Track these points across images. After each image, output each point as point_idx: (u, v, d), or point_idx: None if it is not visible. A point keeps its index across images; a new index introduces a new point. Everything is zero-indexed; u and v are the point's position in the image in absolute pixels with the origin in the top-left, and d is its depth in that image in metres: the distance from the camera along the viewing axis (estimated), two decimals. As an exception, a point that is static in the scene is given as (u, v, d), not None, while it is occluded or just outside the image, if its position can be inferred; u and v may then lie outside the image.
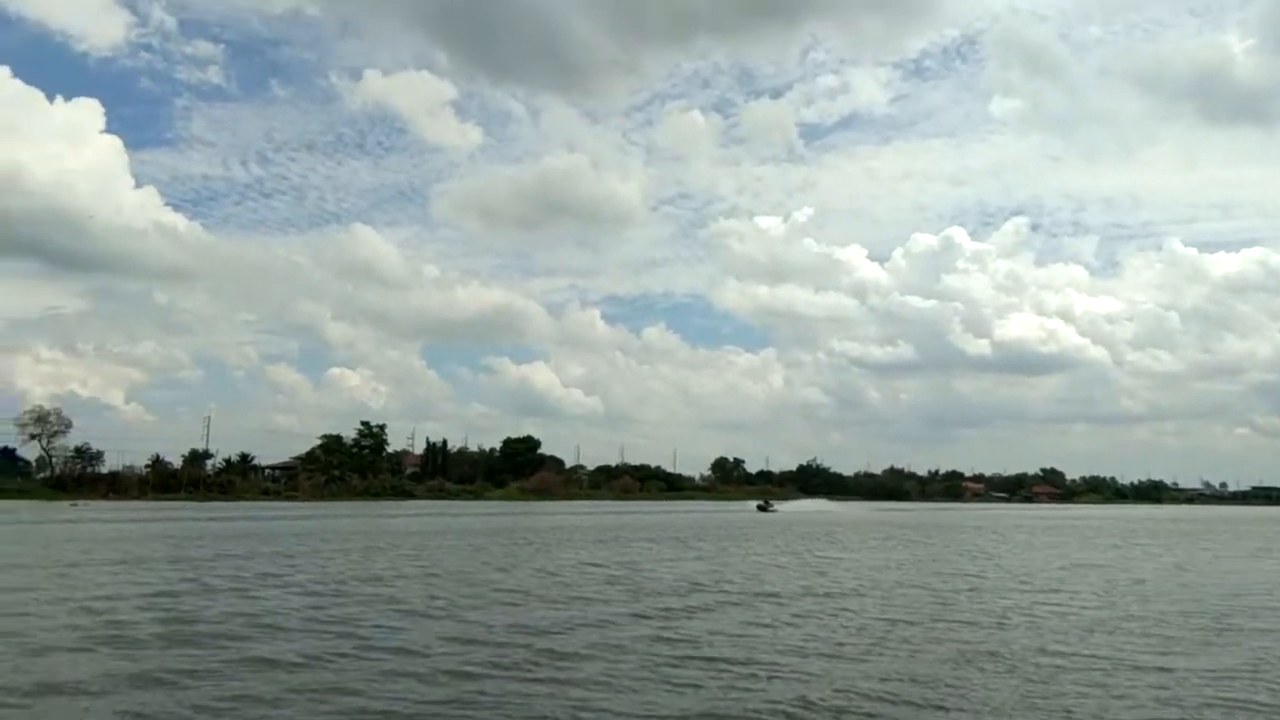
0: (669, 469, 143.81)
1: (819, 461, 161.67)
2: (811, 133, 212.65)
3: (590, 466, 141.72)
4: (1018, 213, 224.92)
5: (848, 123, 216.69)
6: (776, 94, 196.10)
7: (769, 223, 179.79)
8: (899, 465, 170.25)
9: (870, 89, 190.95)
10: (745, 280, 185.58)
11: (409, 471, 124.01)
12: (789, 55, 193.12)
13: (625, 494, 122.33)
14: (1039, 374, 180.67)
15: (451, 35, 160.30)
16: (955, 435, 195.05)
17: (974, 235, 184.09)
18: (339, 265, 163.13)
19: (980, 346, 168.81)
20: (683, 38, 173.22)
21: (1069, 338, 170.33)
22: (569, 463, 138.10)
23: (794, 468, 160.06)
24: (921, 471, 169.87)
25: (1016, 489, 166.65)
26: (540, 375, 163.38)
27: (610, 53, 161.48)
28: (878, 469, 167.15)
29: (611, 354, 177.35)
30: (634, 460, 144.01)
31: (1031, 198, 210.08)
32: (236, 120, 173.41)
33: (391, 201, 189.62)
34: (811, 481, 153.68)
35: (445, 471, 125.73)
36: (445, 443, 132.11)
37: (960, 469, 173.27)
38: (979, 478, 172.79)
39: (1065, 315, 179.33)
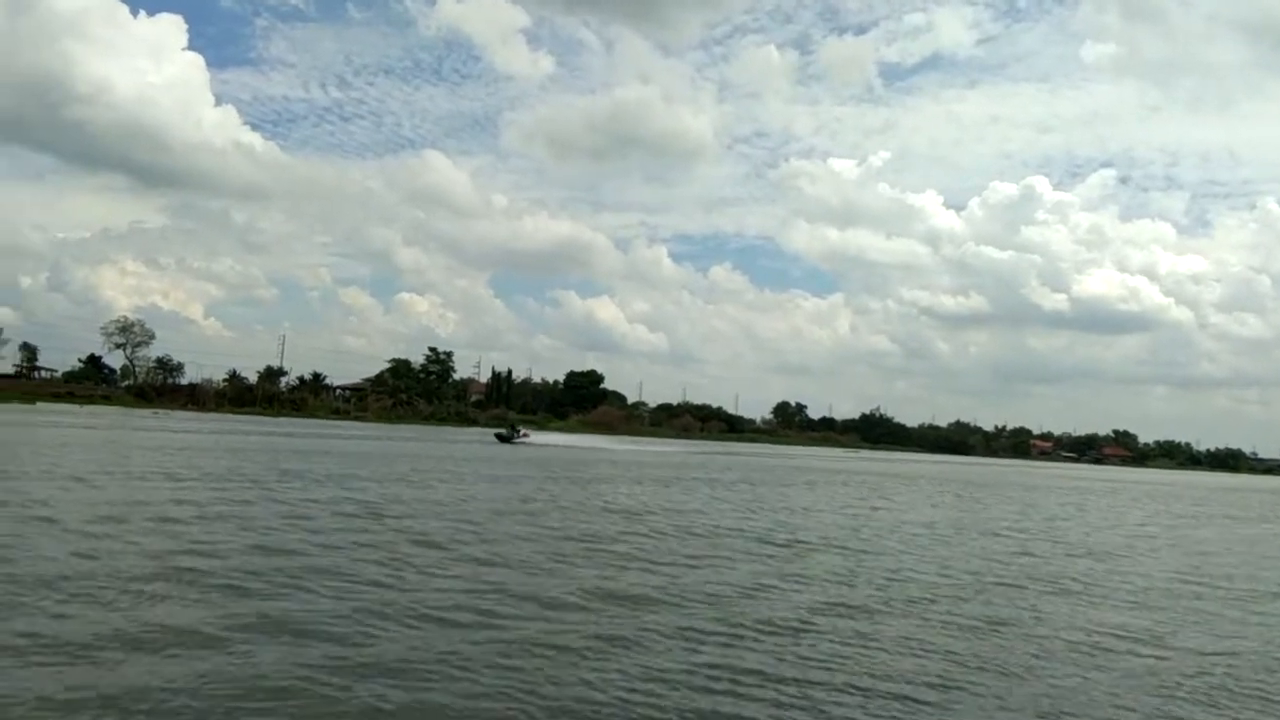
0: (730, 410, 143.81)
1: (882, 411, 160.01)
2: (891, 72, 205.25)
3: (652, 404, 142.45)
4: (1107, 164, 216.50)
5: (931, 63, 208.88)
6: (861, 30, 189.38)
7: (843, 165, 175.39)
8: (965, 419, 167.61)
9: (955, 29, 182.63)
10: (816, 223, 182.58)
11: (474, 399, 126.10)
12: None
13: (685, 433, 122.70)
14: (1117, 333, 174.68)
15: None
16: (1026, 391, 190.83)
17: (1058, 186, 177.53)
18: (411, 191, 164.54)
19: (1057, 301, 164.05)
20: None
21: (1152, 297, 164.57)
22: (631, 399, 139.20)
23: (857, 416, 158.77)
24: (988, 427, 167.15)
25: (1086, 449, 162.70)
26: (605, 310, 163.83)
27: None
28: (943, 422, 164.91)
29: (677, 292, 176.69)
30: (696, 400, 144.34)
31: (1123, 149, 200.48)
32: (316, 42, 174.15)
33: (465, 129, 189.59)
34: (874, 431, 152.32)
35: (509, 401, 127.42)
36: (510, 372, 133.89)
37: (1029, 426, 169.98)
38: (1047, 436, 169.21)
39: (1149, 273, 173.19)
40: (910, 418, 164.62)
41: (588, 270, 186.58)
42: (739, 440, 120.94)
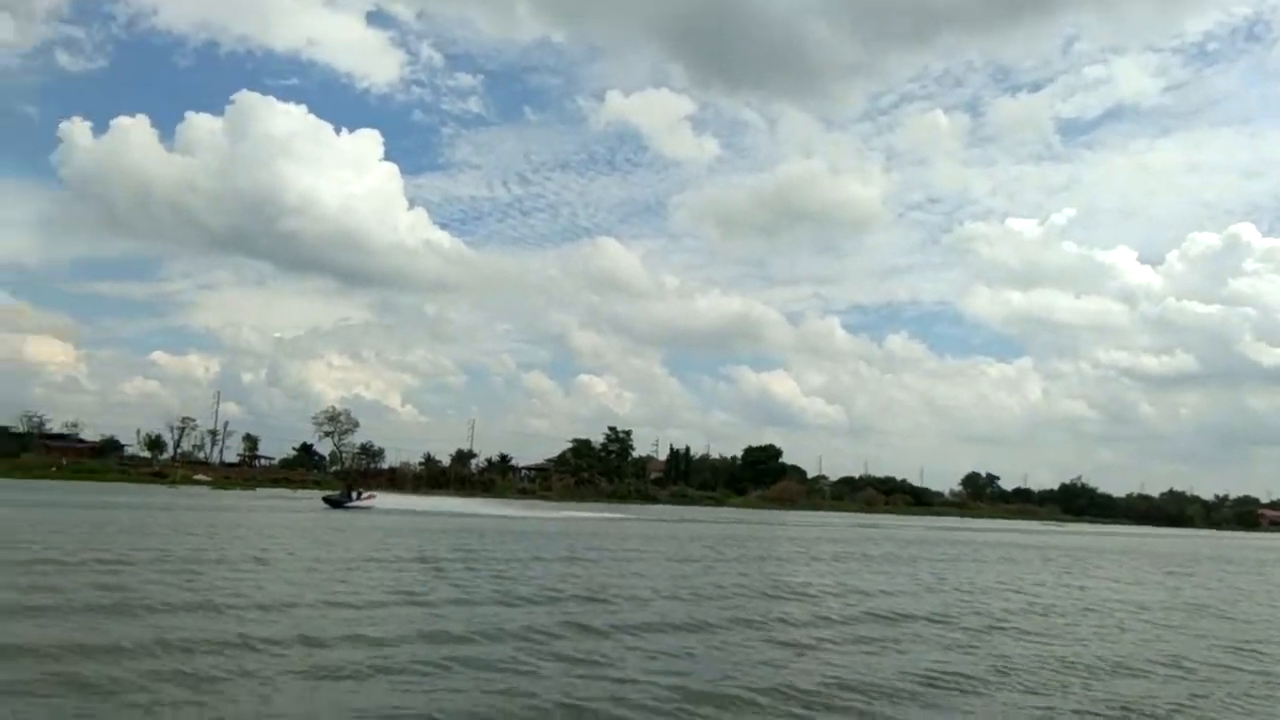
0: (915, 483, 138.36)
1: (1084, 480, 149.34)
2: (1070, 128, 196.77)
3: (833, 477, 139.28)
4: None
5: (1114, 115, 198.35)
6: (1036, 88, 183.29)
7: (1023, 225, 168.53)
8: (1180, 488, 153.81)
9: (1138, 78, 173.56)
10: (996, 286, 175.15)
11: (653, 476, 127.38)
12: (1049, 48, 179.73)
13: (870, 507, 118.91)
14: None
15: (687, 49, 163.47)
16: (1248, 456, 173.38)
17: (1268, 233, 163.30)
18: (587, 277, 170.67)
19: (1276, 356, 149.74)
20: (929, 37, 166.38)
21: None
22: (810, 473, 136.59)
23: (1055, 486, 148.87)
24: (1207, 496, 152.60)
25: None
26: (780, 384, 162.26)
27: (851, 56, 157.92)
28: (1154, 491, 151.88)
29: (853, 363, 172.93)
30: (878, 473, 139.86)
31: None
32: (498, 144, 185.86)
33: (637, 215, 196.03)
34: (1076, 502, 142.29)
35: (687, 478, 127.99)
36: (688, 449, 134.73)
37: (1255, 494, 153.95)
38: (1278, 504, 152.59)
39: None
40: (1116, 487, 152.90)
41: (760, 344, 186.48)
42: (927, 514, 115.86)
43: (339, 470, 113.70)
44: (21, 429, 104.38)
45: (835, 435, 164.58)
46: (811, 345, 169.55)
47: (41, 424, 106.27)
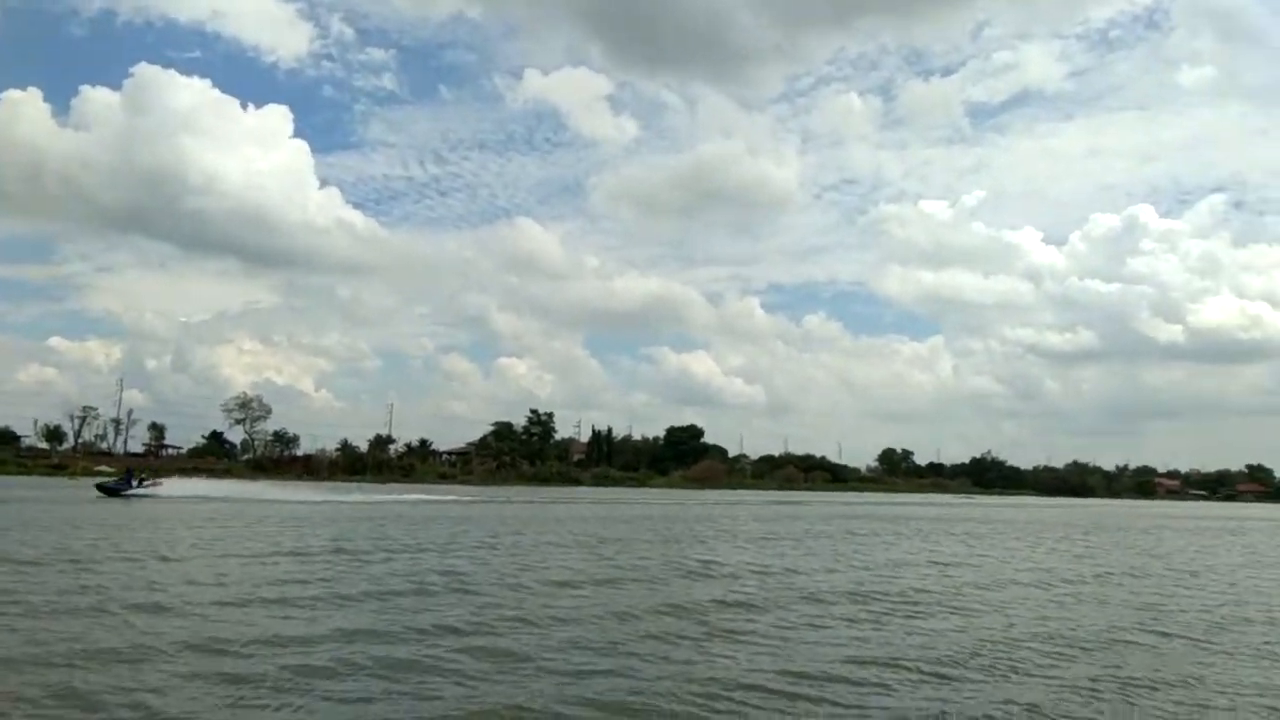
0: (834, 460, 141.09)
1: (994, 454, 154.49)
2: (980, 111, 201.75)
3: (753, 456, 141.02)
4: (1217, 189, 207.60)
5: (1020, 100, 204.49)
6: (947, 72, 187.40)
7: (935, 206, 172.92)
8: (1083, 460, 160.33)
9: (1045, 63, 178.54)
10: (909, 266, 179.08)
11: (575, 458, 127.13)
12: (960, 33, 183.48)
13: (790, 484, 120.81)
14: (1241, 362, 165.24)
15: (606, 29, 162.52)
16: (1145, 428, 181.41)
17: (1165, 214, 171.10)
18: (505, 258, 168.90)
19: (1172, 332, 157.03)
20: (847, 20, 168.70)
21: (1276, 323, 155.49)
22: (732, 452, 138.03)
23: (966, 460, 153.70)
24: (1108, 466, 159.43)
25: (1218, 487, 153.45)
26: (701, 364, 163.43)
27: (770, 38, 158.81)
28: (1059, 463, 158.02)
29: (772, 343, 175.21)
30: (798, 450, 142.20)
31: (1232, 174, 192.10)
32: (412, 122, 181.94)
33: (555, 196, 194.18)
34: (986, 475, 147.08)
35: (610, 459, 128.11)
36: (610, 431, 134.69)
37: (1153, 464, 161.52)
38: (1174, 474, 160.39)
39: (1271, 299, 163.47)
40: (1024, 460, 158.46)
41: (681, 325, 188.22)
42: (845, 490, 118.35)
43: (250, 458, 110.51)
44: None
45: (755, 414, 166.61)
46: (731, 325, 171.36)
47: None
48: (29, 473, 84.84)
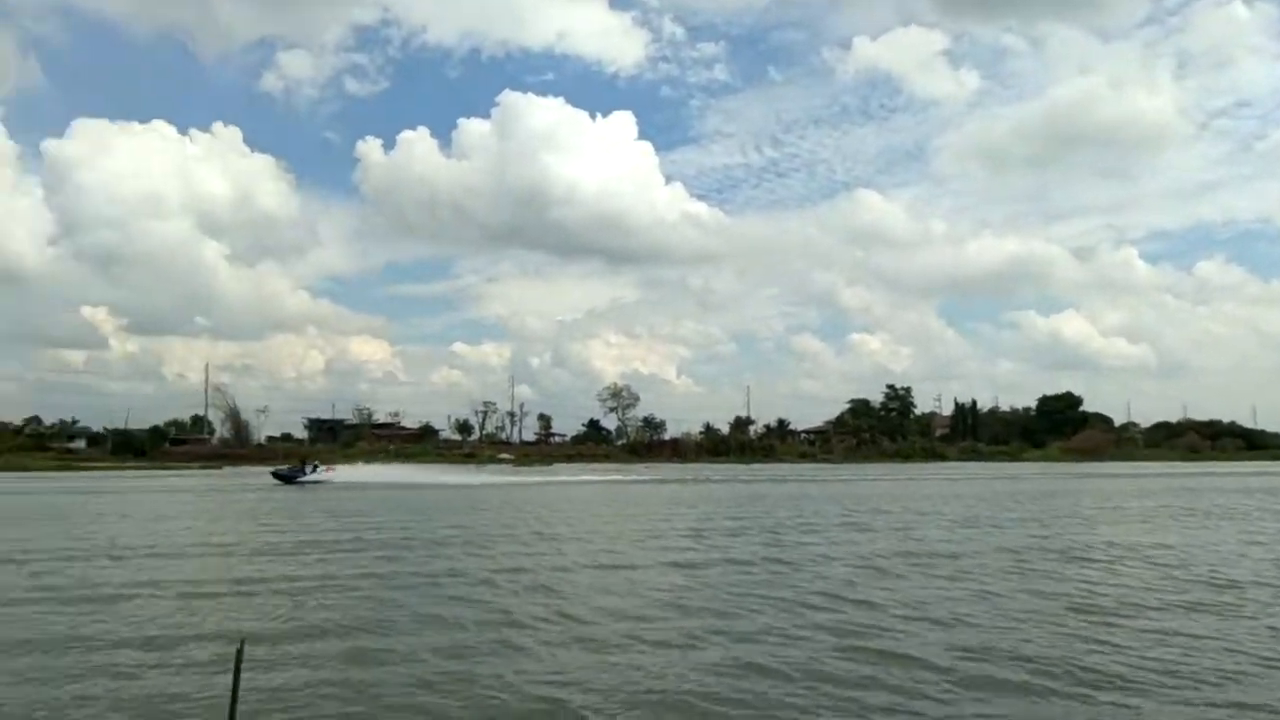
0: (1246, 425, 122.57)
1: None
2: None
3: (1144, 424, 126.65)
4: None
5: None
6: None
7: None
8: None
9: None
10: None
11: (938, 433, 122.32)
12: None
13: (1194, 454, 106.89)
14: None
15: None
16: None
17: None
18: (849, 232, 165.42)
19: None
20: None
21: None
22: (1117, 420, 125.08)
23: None
24: None
25: None
26: (1072, 325, 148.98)
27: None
28: None
29: (1158, 296, 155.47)
30: (1198, 416, 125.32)
31: None
32: (746, 109, 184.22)
33: (896, 163, 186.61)
34: None
35: (975, 433, 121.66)
36: (974, 403, 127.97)
37: None
38: None
39: None
40: None
41: (1046, 285, 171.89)
42: (1265, 458, 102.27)
43: (625, 443, 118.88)
44: (355, 420, 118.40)
45: (1142, 377, 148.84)
46: (1106, 280, 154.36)
47: (370, 415, 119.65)
48: (446, 460, 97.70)
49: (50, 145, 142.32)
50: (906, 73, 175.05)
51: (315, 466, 51.38)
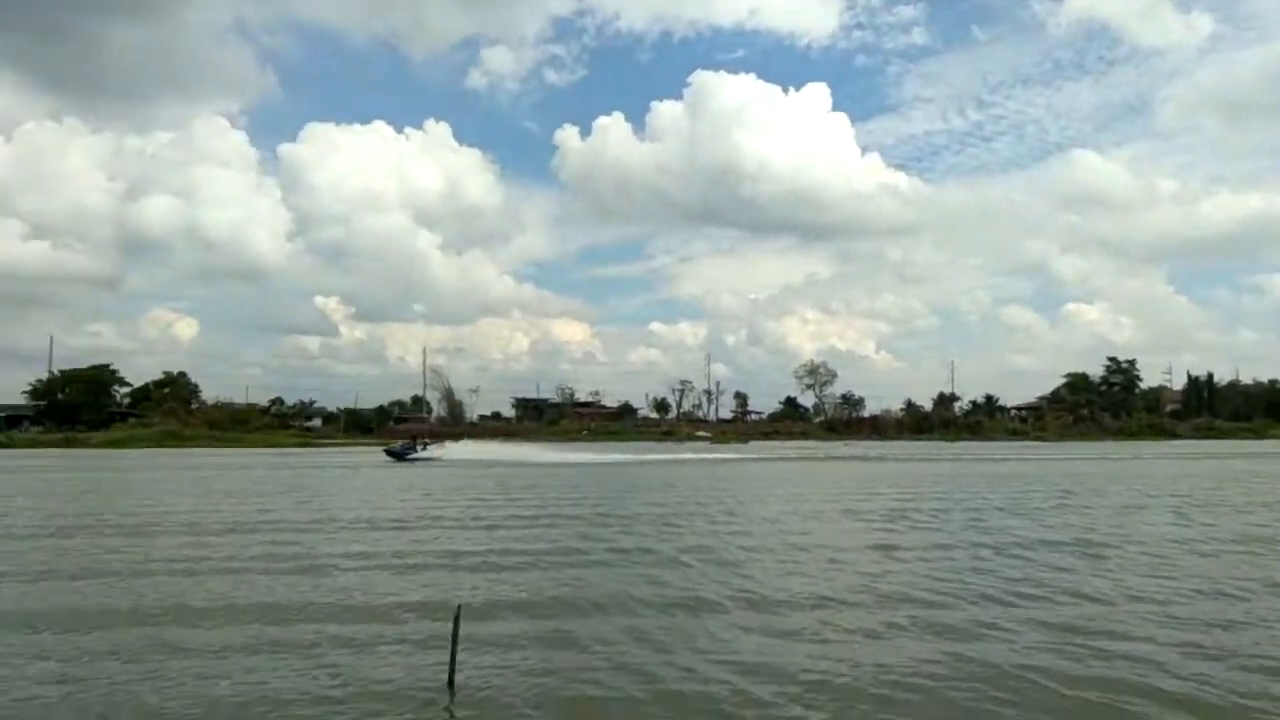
0: None
1: None
2: None
3: None
4: None
5: None
6: None
7: None
8: None
9: None
10: None
11: (1167, 409, 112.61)
12: None
13: None
14: None
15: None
16: None
17: None
18: (1062, 197, 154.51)
19: None
20: None
21: None
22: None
23: None
24: None
25: None
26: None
27: None
28: None
29: None
30: None
31: None
32: (947, 72, 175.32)
33: (1116, 119, 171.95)
34: None
35: (1211, 408, 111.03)
36: (1210, 376, 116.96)
37: None
38: None
39: None
40: None
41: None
42: None
43: (822, 420, 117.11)
44: (558, 399, 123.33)
45: None
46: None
47: (572, 394, 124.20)
48: (645, 438, 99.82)
49: (286, 149, 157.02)
50: (1126, 22, 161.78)
51: (425, 444, 53.29)
